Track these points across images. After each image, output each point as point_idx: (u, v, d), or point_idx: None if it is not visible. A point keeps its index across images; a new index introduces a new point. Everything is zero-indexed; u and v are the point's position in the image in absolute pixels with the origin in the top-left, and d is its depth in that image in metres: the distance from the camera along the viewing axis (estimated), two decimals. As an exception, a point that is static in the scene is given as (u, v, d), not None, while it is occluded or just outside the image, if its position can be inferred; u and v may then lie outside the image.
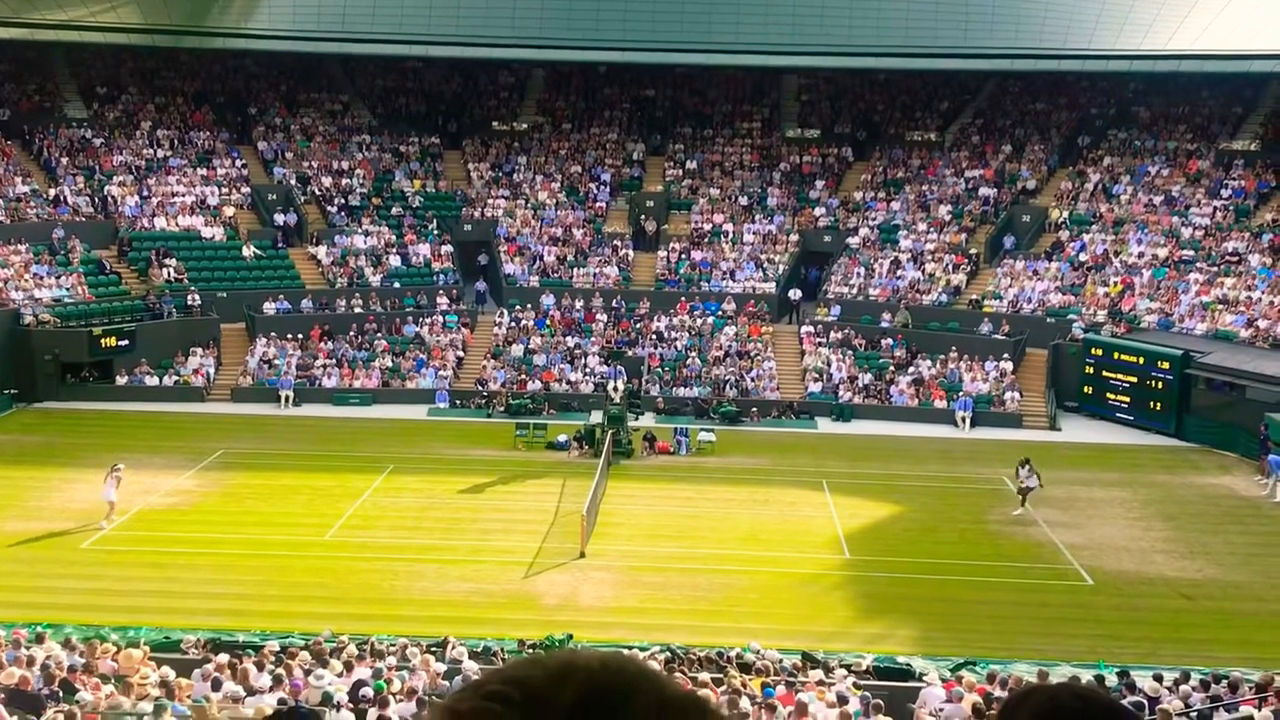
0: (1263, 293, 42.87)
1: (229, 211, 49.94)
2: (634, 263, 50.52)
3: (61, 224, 46.30)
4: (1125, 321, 43.69)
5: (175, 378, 43.48)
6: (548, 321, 47.21)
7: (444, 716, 1.37)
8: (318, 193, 51.85)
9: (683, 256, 50.34)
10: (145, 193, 49.55)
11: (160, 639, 21.80)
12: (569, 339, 46.39)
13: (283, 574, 26.87)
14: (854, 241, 50.44)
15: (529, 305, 47.92)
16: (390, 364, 44.71)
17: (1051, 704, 1.91)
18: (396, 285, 48.37)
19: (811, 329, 46.66)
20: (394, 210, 51.78)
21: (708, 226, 51.68)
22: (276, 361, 44.17)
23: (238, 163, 52.50)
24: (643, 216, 52.00)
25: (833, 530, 30.70)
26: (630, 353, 45.26)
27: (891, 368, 44.61)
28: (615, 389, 38.77)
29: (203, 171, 51.46)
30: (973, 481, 35.57)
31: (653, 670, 1.42)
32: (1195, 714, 16.56)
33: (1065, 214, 49.75)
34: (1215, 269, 44.78)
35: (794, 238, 51.09)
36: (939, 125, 55.97)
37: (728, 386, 43.83)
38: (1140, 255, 46.71)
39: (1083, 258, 47.40)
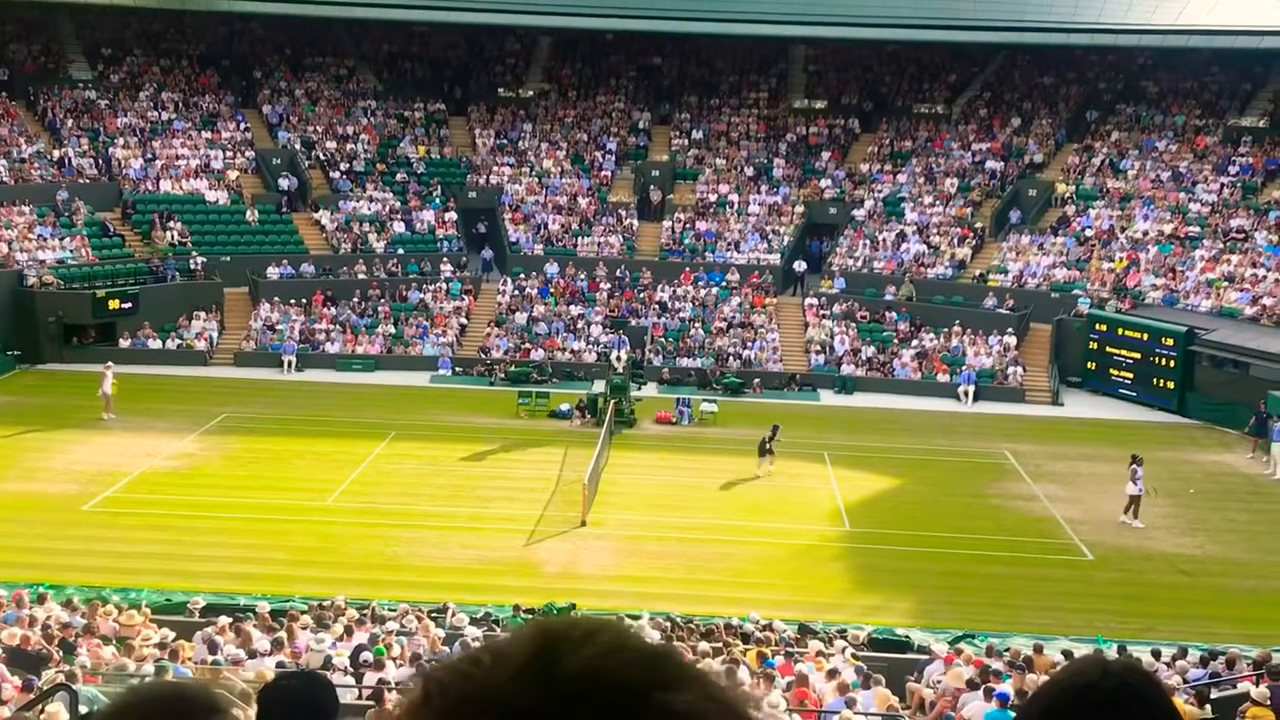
0: (1268, 270, 42.77)
1: (233, 175, 49.86)
2: (638, 232, 50.44)
3: (65, 186, 46.23)
4: (1130, 297, 43.62)
5: (178, 341, 43.52)
6: (551, 290, 47.16)
7: (424, 681, 1.42)
8: (322, 157, 51.73)
9: (687, 227, 50.24)
10: (149, 155, 49.44)
11: (161, 601, 21.92)
12: (572, 308, 46.35)
13: (284, 538, 26.96)
14: (859, 214, 50.32)
15: (533, 273, 47.86)
16: (393, 330, 44.72)
17: (1070, 676, 1.93)
18: (400, 252, 48.31)
19: (815, 301, 46.62)
20: (398, 176, 51.67)
21: (713, 197, 51.55)
22: (280, 326, 44.19)
23: (242, 126, 52.35)
24: (649, 186, 51.87)
25: (834, 502, 30.76)
26: (634, 322, 45.24)
27: (895, 341, 44.58)
28: (618, 358, 38.81)
29: (207, 135, 51.35)
30: (974, 455, 35.60)
31: (624, 627, 1.43)
32: (1192, 690, 16.61)
33: (1072, 189, 49.60)
34: (1221, 246, 44.68)
35: (799, 209, 50.97)
36: (946, 98, 55.74)
37: (731, 358, 43.83)
38: (1146, 231, 46.60)
39: (1088, 233, 47.28)
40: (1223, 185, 47.60)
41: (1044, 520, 30.09)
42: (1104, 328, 42.32)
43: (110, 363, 37.30)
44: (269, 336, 43.91)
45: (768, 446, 32.72)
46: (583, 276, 47.72)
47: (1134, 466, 29.79)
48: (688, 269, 48.00)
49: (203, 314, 44.35)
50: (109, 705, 1.98)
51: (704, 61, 58.28)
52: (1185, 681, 17.48)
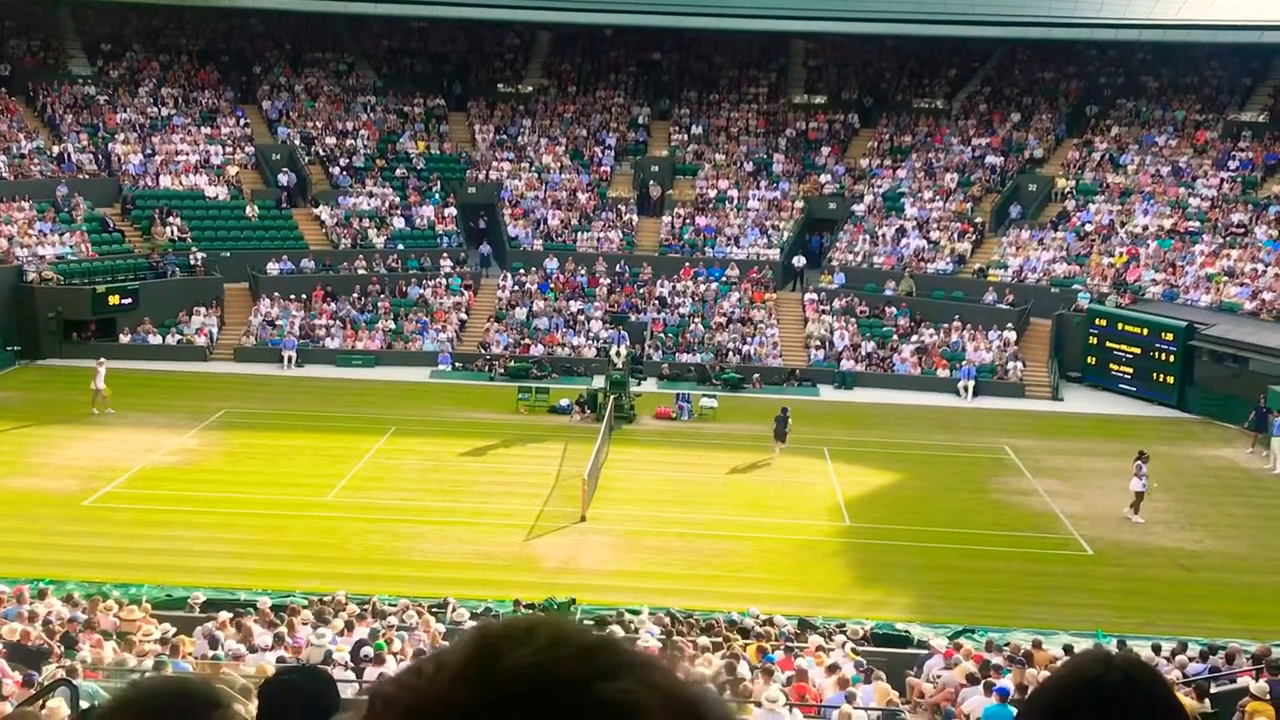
0: (1268, 265, 42.76)
1: (233, 171, 49.83)
2: (638, 228, 50.41)
3: (65, 181, 46.20)
4: (1130, 292, 43.62)
5: (178, 337, 43.52)
6: (551, 285, 47.15)
7: (370, 697, 1.43)
8: (322, 153, 51.70)
9: (687, 222, 50.21)
10: (149, 151, 49.43)
11: (162, 596, 21.93)
12: (572, 303, 46.33)
13: (284, 534, 26.98)
14: (859, 209, 50.30)
15: (533, 269, 47.84)
16: (393, 326, 44.71)
17: (1074, 671, 1.94)
18: (400, 247, 48.30)
19: (815, 296, 46.60)
20: (398, 172, 51.63)
21: (712, 192, 51.52)
22: (279, 322, 44.18)
23: (242, 122, 52.33)
24: (648, 181, 51.83)
25: (833, 497, 30.77)
26: (633, 318, 45.24)
27: (895, 336, 44.57)
28: (618, 354, 38.81)
29: (207, 130, 51.31)
30: (974, 450, 35.60)
31: (565, 621, 1.43)
32: (1192, 684, 16.63)
33: (1072, 183, 49.57)
34: (1221, 241, 44.67)
35: (799, 204, 50.93)
36: (946, 93, 55.70)
37: (730, 353, 43.83)
38: (1146, 226, 46.58)
39: (1088, 228, 47.27)
40: (1222, 180, 47.58)
41: (1043, 515, 30.10)
42: (1104, 323, 42.32)
43: (103, 358, 37.16)
44: (269, 332, 43.90)
45: (784, 430, 33.42)
46: (582, 272, 47.69)
47: (1139, 463, 29.76)
48: (687, 264, 47.98)
49: (203, 310, 44.34)
50: (111, 700, 1.99)
51: (703, 56, 58.24)
52: (1185, 676, 17.50)
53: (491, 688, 1.34)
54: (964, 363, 42.69)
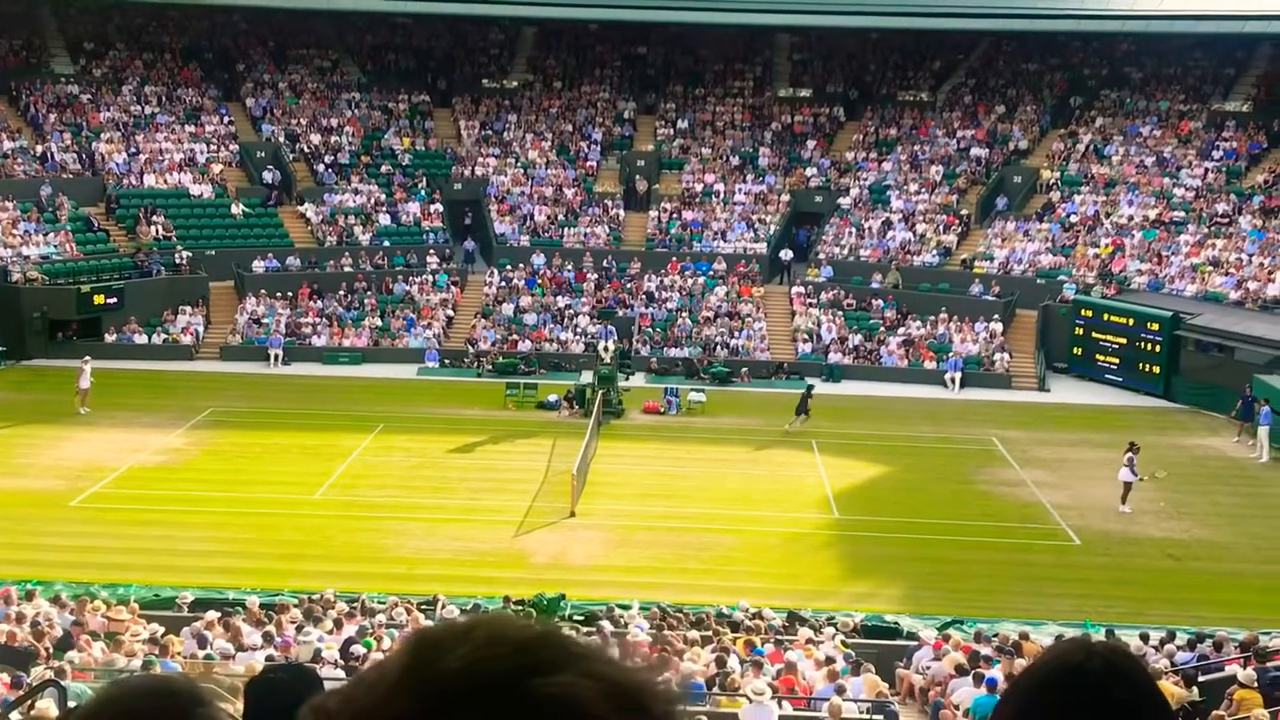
0: (1252, 254, 42.90)
1: (217, 169, 49.67)
2: (625, 222, 50.36)
3: (49, 181, 46.02)
4: (1115, 283, 43.71)
5: (164, 336, 43.37)
6: (538, 281, 47.09)
7: (313, 713, 1.41)
8: (306, 150, 51.55)
9: (674, 216, 50.18)
10: (133, 149, 49.24)
11: (150, 596, 21.87)
12: (559, 299, 46.28)
13: (272, 532, 26.91)
14: (845, 202, 50.32)
15: (519, 265, 47.78)
16: (380, 323, 44.63)
17: (1056, 658, 1.94)
18: (386, 244, 48.19)
19: (802, 290, 46.61)
20: (383, 168, 51.52)
21: (699, 186, 51.50)
22: (265, 320, 44.06)
23: (226, 120, 52.15)
24: (634, 176, 51.80)
25: (822, 490, 30.80)
26: (621, 313, 45.22)
27: (882, 328, 44.62)
28: (606, 349, 38.82)
29: (191, 128, 51.12)
30: (961, 442, 35.65)
31: (506, 617, 1.41)
32: (1180, 673, 16.69)
33: (1057, 175, 49.67)
34: (1206, 230, 44.79)
35: (785, 198, 50.95)
36: (931, 85, 55.72)
37: (718, 347, 43.84)
38: (1131, 216, 46.69)
39: (1073, 219, 47.37)
40: (1207, 170, 47.71)
41: (1031, 506, 30.17)
42: (1090, 313, 42.41)
43: (88, 356, 37.05)
44: (255, 330, 43.79)
45: (806, 406, 35.06)
46: (569, 267, 47.65)
47: (1129, 454, 29.81)
48: (674, 259, 47.96)
49: (188, 308, 44.20)
50: (94, 699, 1.98)
51: (689, 50, 58.19)
52: (1173, 664, 17.56)
53: (426, 692, 1.32)
54: (951, 354, 42.76)
